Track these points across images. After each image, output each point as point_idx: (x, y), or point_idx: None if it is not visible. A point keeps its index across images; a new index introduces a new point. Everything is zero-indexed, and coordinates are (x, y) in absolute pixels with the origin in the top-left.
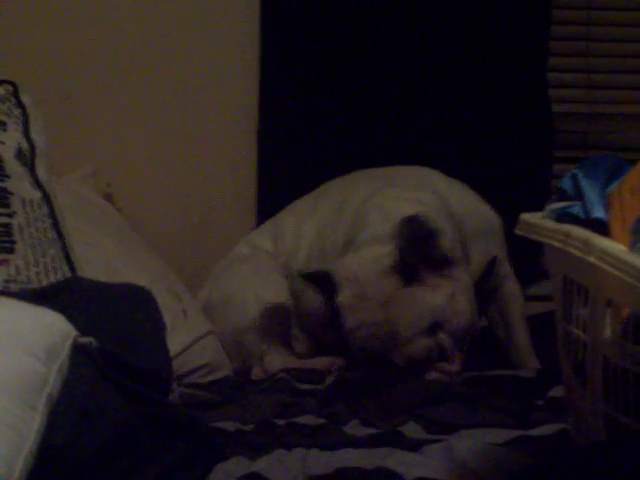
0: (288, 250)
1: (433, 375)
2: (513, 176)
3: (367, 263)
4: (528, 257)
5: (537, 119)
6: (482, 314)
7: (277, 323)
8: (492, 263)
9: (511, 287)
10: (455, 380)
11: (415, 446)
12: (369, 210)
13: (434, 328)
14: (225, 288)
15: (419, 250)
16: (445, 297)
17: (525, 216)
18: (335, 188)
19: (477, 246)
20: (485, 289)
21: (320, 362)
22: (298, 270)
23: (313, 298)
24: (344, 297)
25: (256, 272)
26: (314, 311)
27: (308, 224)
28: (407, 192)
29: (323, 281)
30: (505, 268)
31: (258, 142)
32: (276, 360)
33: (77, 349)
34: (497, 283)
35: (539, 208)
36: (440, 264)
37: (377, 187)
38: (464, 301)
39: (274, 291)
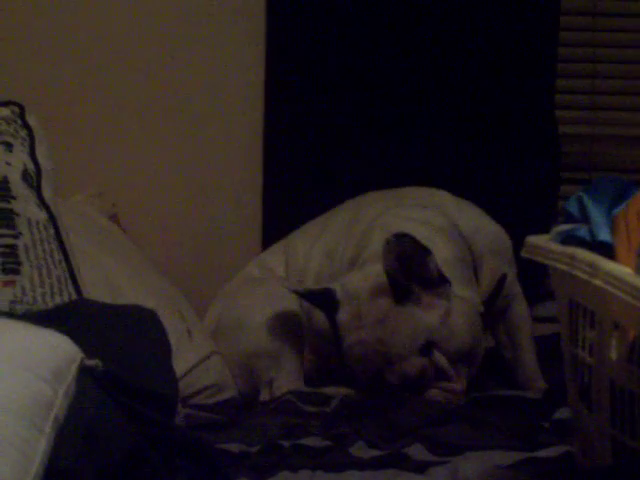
0: (298, 271)
1: (435, 393)
2: (520, 197)
3: (364, 281)
4: (533, 278)
5: (544, 140)
6: (488, 334)
7: (288, 348)
8: (502, 281)
9: (520, 308)
10: (459, 399)
11: (420, 468)
12: (374, 228)
13: (428, 347)
14: (236, 311)
15: (408, 268)
16: (440, 316)
17: (531, 239)
18: (344, 209)
19: (487, 265)
20: (495, 308)
21: (328, 392)
22: (296, 289)
23: (321, 317)
24: (342, 315)
25: (268, 296)
26: (322, 330)
27: (318, 245)
28: (414, 212)
29: (325, 299)
30: (514, 288)
31: (264, 163)
32: (285, 386)
33: (83, 371)
34: (506, 303)
35: (546, 229)
36: (435, 283)
37: (385, 207)
38: (461, 321)
39: (285, 316)
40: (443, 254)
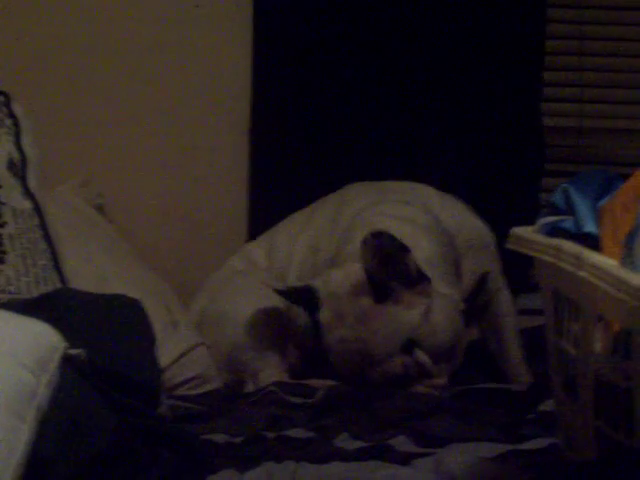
0: (281, 265)
1: (418, 388)
2: (503, 189)
3: (345, 280)
4: (519, 270)
5: (528, 132)
6: (474, 327)
7: (272, 340)
8: (483, 279)
9: (504, 301)
10: (442, 392)
11: (405, 460)
12: (356, 226)
13: (410, 345)
14: (220, 303)
15: (386, 266)
16: (420, 314)
17: (516, 230)
18: (328, 203)
19: (469, 261)
20: (476, 304)
21: (313, 384)
22: (278, 288)
23: (304, 313)
24: (324, 313)
25: (252, 288)
26: (305, 326)
27: (301, 239)
28: (397, 209)
29: (306, 297)
30: (498, 282)
31: (250, 155)
32: (270, 378)
33: (67, 361)
34: (490, 297)
35: (528, 221)
36: (415, 281)
37: (368, 203)
38: (442, 318)
39: (269, 309)
40: (425, 252)
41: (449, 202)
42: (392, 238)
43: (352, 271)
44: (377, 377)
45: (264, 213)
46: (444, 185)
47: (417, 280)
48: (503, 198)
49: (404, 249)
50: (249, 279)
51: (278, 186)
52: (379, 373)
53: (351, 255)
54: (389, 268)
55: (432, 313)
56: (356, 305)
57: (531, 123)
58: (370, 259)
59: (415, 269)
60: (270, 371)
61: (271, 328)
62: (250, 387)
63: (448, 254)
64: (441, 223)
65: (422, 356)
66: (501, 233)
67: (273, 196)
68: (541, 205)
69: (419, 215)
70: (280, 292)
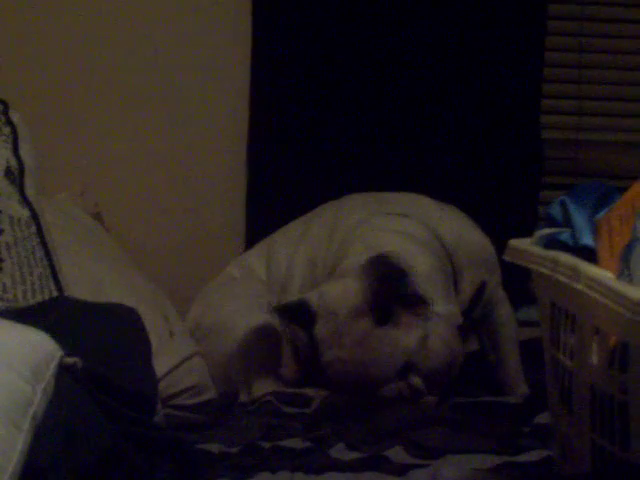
0: (281, 279)
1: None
2: (501, 201)
3: (343, 298)
4: (517, 282)
5: (526, 145)
6: (473, 338)
7: (266, 351)
8: (481, 290)
9: (503, 312)
10: (432, 409)
11: (400, 471)
12: (353, 240)
13: (406, 370)
14: (216, 313)
15: (388, 290)
16: (418, 338)
17: (514, 242)
18: (324, 214)
19: (468, 274)
20: (475, 316)
21: (308, 393)
22: (275, 307)
23: (297, 328)
24: (320, 330)
25: (247, 299)
26: (299, 340)
27: (300, 252)
28: (394, 222)
29: (301, 311)
30: (498, 294)
31: (248, 163)
32: (263, 389)
33: (63, 369)
34: (489, 308)
35: (527, 233)
36: (414, 303)
37: (365, 215)
38: (439, 340)
39: (264, 319)
40: (422, 267)
41: (448, 214)
42: (393, 262)
43: (350, 289)
44: (371, 396)
45: (262, 222)
46: (442, 196)
47: (416, 302)
48: (502, 210)
49: (405, 272)
50: (245, 289)
51: (276, 194)
52: (374, 395)
53: (347, 270)
54: (389, 290)
55: (430, 337)
56: (355, 326)
57: (530, 135)
58: (372, 282)
59: (414, 291)
60: (263, 382)
61: (266, 339)
62: (244, 397)
63: (446, 269)
64: (440, 236)
65: (417, 381)
66: (499, 245)
67: (271, 204)
68: (539, 217)
69: (417, 228)
70: (277, 311)
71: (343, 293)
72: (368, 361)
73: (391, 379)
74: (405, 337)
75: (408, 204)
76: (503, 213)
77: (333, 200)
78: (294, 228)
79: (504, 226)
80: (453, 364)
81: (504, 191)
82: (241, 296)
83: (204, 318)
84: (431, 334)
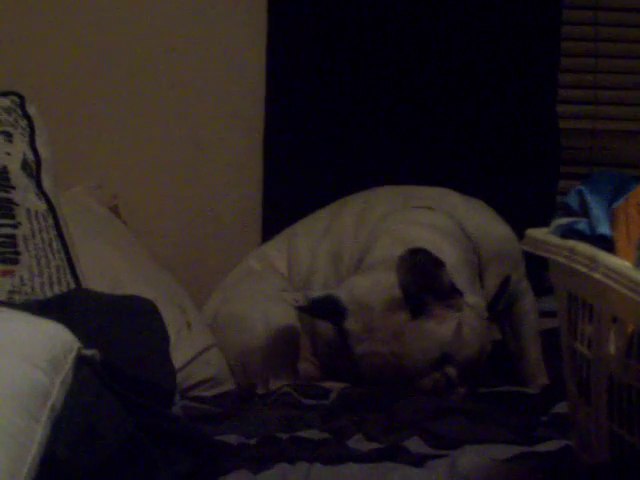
0: (303, 273)
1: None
2: (519, 191)
3: (375, 292)
4: (535, 272)
5: (544, 135)
6: (496, 328)
7: (284, 345)
8: (505, 283)
9: (526, 303)
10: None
11: (418, 461)
12: (381, 233)
13: (442, 361)
14: (234, 306)
15: (424, 282)
16: (452, 329)
17: (531, 232)
18: (350, 208)
19: (492, 267)
20: (499, 308)
21: (326, 386)
22: (300, 305)
23: (323, 323)
24: (352, 324)
25: (267, 292)
26: (324, 335)
27: (323, 246)
28: (421, 215)
29: (330, 306)
30: (521, 285)
31: (264, 155)
32: (280, 382)
33: (81, 361)
34: (513, 300)
35: (544, 223)
36: (447, 295)
37: (392, 209)
38: (471, 331)
39: (283, 313)
40: (449, 259)
41: (474, 208)
42: (428, 254)
43: (382, 281)
44: (406, 390)
45: (278, 213)
46: (460, 188)
47: (449, 294)
48: (520, 200)
49: (439, 264)
50: (264, 283)
51: (292, 187)
52: (410, 388)
53: (376, 263)
54: (424, 283)
55: (462, 327)
56: (390, 320)
57: (547, 125)
58: (407, 276)
59: (448, 283)
60: (281, 376)
61: (284, 331)
62: (261, 389)
63: (472, 261)
64: (466, 229)
65: (452, 371)
66: (517, 235)
67: (287, 197)
68: (557, 207)
69: (444, 221)
70: (302, 309)
71: (375, 286)
72: (404, 354)
73: (426, 371)
74: (441, 329)
75: (434, 197)
76: (522, 203)
77: (350, 191)
78: (317, 221)
79: (522, 216)
80: (483, 354)
81: (522, 181)
82: (261, 289)
83: (223, 310)
84: (464, 325)
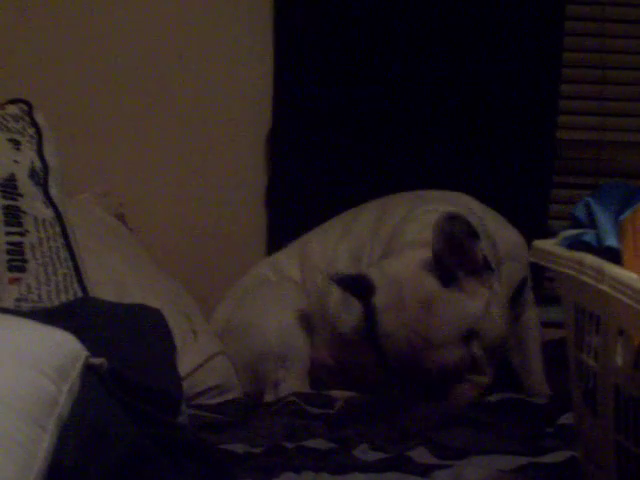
0: (319, 280)
1: (465, 387)
2: (512, 200)
3: (405, 265)
4: (535, 282)
5: (539, 144)
6: None
7: (296, 353)
8: (523, 284)
9: (532, 315)
10: (483, 392)
11: (424, 471)
12: (407, 222)
13: (469, 336)
14: (249, 312)
15: (456, 250)
16: (483, 305)
17: (538, 243)
18: (368, 212)
19: (506, 268)
20: (513, 312)
21: (332, 394)
22: (330, 274)
23: (350, 320)
24: (381, 298)
25: (280, 300)
26: (347, 334)
27: (341, 249)
28: (446, 208)
29: (359, 285)
30: (528, 296)
31: (271, 164)
32: (290, 389)
33: (88, 369)
34: (520, 310)
35: (537, 233)
36: (479, 269)
37: (413, 207)
38: (500, 312)
39: (297, 321)
40: None
41: (489, 210)
42: (466, 223)
43: (413, 256)
44: (432, 366)
45: (284, 222)
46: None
47: (482, 269)
48: (513, 210)
49: (476, 235)
50: (278, 291)
51: (298, 195)
52: (435, 362)
53: (405, 245)
54: (458, 253)
55: (492, 306)
56: (420, 288)
57: (544, 134)
58: (441, 242)
59: (482, 258)
60: (291, 381)
61: (296, 339)
62: (270, 396)
63: (494, 255)
64: (485, 227)
65: (477, 349)
66: None
67: (293, 205)
68: (550, 216)
69: (468, 215)
70: (334, 279)
71: (405, 261)
72: (433, 322)
73: (453, 346)
74: (471, 302)
75: (451, 199)
76: (515, 212)
77: (354, 199)
78: (330, 228)
79: (517, 225)
80: (506, 341)
81: (516, 190)
82: (276, 297)
83: (237, 316)
84: (494, 304)
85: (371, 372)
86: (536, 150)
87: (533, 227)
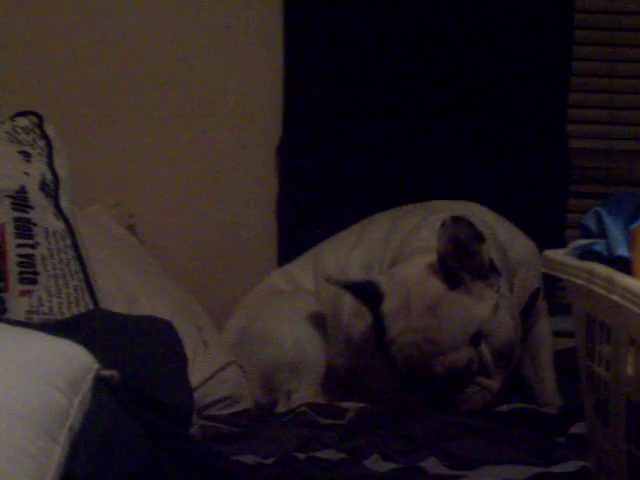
0: (332, 289)
1: (474, 390)
2: (529, 211)
3: (412, 270)
4: (546, 292)
5: (553, 154)
6: None
7: (310, 364)
8: (536, 294)
9: (544, 325)
10: (493, 400)
11: None
12: (418, 229)
13: (477, 339)
14: (264, 323)
15: (462, 253)
16: (490, 307)
17: (548, 253)
18: (380, 222)
19: (519, 277)
20: (527, 321)
21: (343, 405)
22: (340, 281)
23: (362, 329)
24: (389, 304)
25: (295, 311)
26: (359, 342)
27: (353, 257)
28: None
29: (367, 291)
30: (541, 304)
31: (280, 176)
32: (302, 399)
33: (99, 382)
34: (533, 320)
35: (556, 243)
36: (485, 273)
37: (424, 216)
38: (508, 316)
39: (312, 332)
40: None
41: (501, 219)
42: (470, 225)
43: (420, 262)
44: (440, 369)
45: (294, 233)
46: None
47: (488, 272)
48: (530, 220)
49: (481, 238)
50: (293, 302)
51: (308, 206)
52: (443, 365)
53: (416, 251)
54: (463, 256)
55: (500, 309)
56: (426, 292)
57: (557, 144)
58: (446, 244)
59: (488, 261)
60: (304, 392)
61: (310, 350)
62: (282, 406)
63: (503, 265)
64: (496, 236)
65: (486, 352)
66: None
67: (303, 216)
68: (567, 226)
69: (477, 224)
70: (342, 285)
71: (412, 266)
72: (440, 326)
73: (461, 348)
74: (478, 305)
75: (462, 209)
76: (532, 222)
77: (364, 210)
78: (342, 238)
79: (532, 235)
80: (516, 348)
81: (532, 200)
82: (291, 307)
83: (252, 326)
84: (501, 307)
85: (383, 380)
86: (551, 159)
87: (550, 237)
